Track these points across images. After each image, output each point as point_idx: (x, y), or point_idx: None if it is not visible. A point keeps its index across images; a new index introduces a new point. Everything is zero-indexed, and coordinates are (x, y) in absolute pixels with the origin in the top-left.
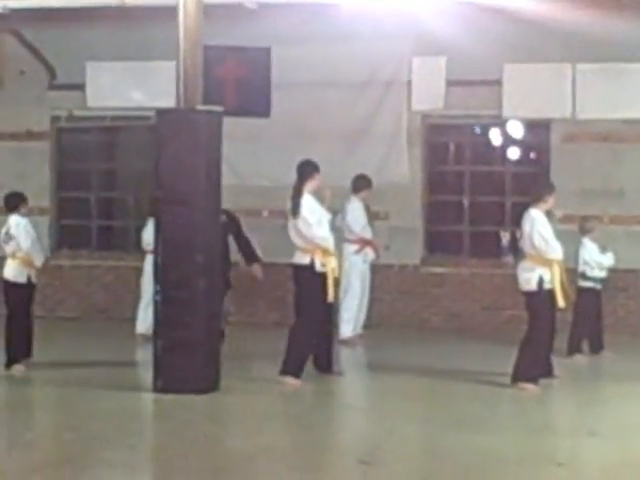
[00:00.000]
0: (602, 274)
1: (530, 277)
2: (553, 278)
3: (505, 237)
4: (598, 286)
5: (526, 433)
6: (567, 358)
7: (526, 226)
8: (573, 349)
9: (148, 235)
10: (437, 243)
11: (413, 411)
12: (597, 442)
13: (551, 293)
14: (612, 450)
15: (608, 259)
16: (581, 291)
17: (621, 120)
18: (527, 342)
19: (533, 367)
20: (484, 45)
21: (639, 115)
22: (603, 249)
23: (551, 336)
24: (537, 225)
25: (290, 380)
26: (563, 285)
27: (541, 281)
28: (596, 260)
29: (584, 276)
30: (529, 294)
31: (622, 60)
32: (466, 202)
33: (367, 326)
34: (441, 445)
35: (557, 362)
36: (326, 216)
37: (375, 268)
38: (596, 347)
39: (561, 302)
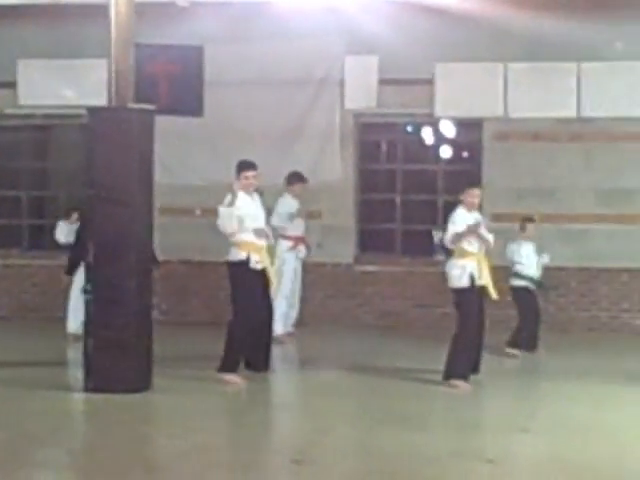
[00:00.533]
0: (537, 273)
1: (461, 274)
2: (482, 273)
3: (437, 235)
4: (531, 285)
5: (458, 430)
6: (505, 348)
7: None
8: (513, 344)
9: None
10: (370, 241)
11: (346, 409)
12: (529, 439)
13: (480, 289)
14: (543, 447)
15: (544, 259)
16: (515, 290)
17: (553, 119)
18: (457, 339)
19: (464, 364)
20: (416, 44)
21: (570, 114)
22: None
23: (480, 332)
24: (450, 220)
25: (229, 377)
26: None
27: (471, 277)
28: (533, 259)
29: (517, 275)
30: (459, 291)
31: (553, 59)
32: (398, 200)
33: (299, 324)
34: (373, 443)
35: (493, 359)
36: (259, 213)
37: (308, 266)
38: (531, 346)
39: (494, 294)
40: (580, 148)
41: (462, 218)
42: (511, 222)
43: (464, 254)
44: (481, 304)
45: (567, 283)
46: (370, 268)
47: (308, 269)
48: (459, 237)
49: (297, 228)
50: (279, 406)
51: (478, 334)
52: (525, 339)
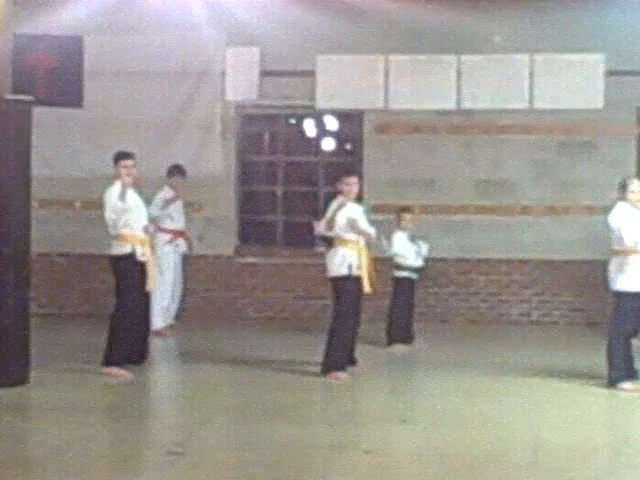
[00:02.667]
0: (417, 263)
1: (340, 262)
2: (360, 264)
3: (318, 227)
4: (413, 275)
5: (336, 422)
6: (387, 348)
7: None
8: (392, 339)
9: None
10: (251, 233)
11: (225, 401)
12: (407, 429)
13: (358, 280)
14: (421, 437)
15: (422, 248)
16: (396, 281)
17: (433, 111)
18: (335, 330)
19: (342, 355)
20: (297, 35)
21: (450, 106)
22: (413, 239)
23: (356, 323)
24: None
25: (116, 370)
26: (370, 271)
27: (350, 267)
28: (410, 248)
29: (399, 266)
30: (338, 280)
31: (433, 51)
32: (280, 192)
33: (180, 317)
34: (252, 435)
35: (375, 352)
36: (143, 207)
37: (189, 259)
38: (407, 338)
39: (367, 287)
40: (460, 140)
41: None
42: (392, 213)
43: (344, 243)
44: (359, 294)
45: (447, 274)
46: (251, 260)
47: (189, 261)
48: (329, 222)
49: (176, 222)
50: (158, 399)
51: (356, 324)
52: (400, 332)
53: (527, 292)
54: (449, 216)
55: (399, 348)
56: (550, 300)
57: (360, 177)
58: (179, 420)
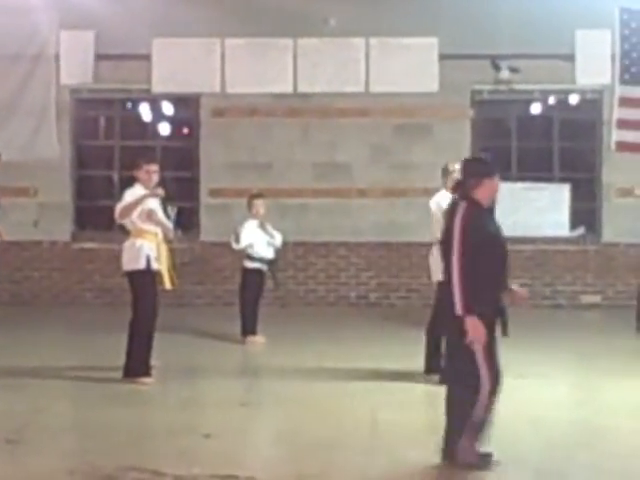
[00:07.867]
0: (269, 255)
1: (138, 255)
2: (160, 257)
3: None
4: (264, 267)
5: (175, 407)
6: (242, 341)
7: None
8: (247, 331)
9: None
10: (87, 219)
11: (61, 389)
12: (247, 412)
13: (158, 274)
14: (261, 420)
15: (276, 240)
16: (245, 272)
17: (270, 94)
18: (134, 329)
19: (145, 359)
20: (133, 19)
21: (287, 89)
22: (264, 227)
23: (154, 321)
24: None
25: None
26: (171, 265)
27: (149, 260)
28: (261, 240)
29: (249, 257)
30: (134, 274)
31: (269, 35)
32: (116, 177)
33: (19, 303)
34: (90, 420)
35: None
36: None
37: (25, 245)
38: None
39: (167, 284)
40: (297, 123)
41: (133, 194)
42: (229, 198)
43: (141, 233)
44: (155, 289)
45: (285, 257)
46: (88, 245)
47: (25, 247)
48: (126, 210)
49: None
50: None
51: (154, 322)
52: (252, 324)
53: (365, 274)
54: (287, 199)
55: (257, 339)
56: (388, 282)
57: (197, 161)
58: (14, 408)
